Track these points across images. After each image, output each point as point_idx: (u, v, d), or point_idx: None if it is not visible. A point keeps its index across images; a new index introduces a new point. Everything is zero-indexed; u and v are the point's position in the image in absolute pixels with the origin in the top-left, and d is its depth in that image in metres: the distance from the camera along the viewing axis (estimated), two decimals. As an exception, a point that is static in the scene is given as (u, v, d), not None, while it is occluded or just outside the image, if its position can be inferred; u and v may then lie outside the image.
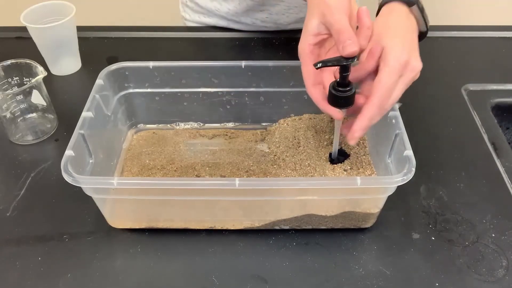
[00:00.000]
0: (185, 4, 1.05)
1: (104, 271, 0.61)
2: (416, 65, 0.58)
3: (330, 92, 0.57)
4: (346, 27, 0.55)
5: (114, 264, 0.62)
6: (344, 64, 0.54)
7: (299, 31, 0.62)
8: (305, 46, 0.60)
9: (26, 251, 0.63)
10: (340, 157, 0.69)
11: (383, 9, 0.63)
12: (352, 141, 0.59)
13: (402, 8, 0.62)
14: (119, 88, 0.74)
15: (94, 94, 0.67)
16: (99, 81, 0.69)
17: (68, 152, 0.58)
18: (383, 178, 0.62)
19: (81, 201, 0.67)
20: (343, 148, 0.71)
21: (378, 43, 0.58)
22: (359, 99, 0.59)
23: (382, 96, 0.56)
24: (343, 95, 0.56)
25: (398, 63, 0.56)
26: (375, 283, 0.59)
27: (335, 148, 0.68)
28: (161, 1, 1.84)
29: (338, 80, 0.56)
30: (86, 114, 0.64)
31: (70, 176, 0.56)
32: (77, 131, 0.62)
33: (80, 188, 0.59)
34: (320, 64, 0.55)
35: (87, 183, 0.57)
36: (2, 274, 0.60)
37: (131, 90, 0.75)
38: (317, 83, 0.61)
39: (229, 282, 0.59)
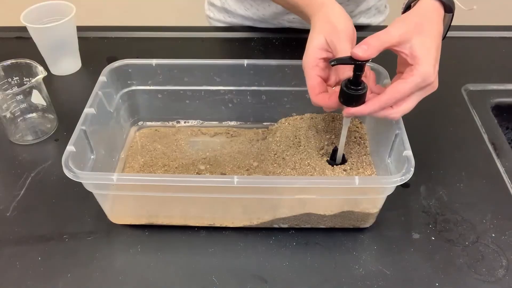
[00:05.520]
0: (211, 3, 1.06)
1: (104, 271, 0.61)
2: (436, 84, 0.58)
3: (342, 90, 0.57)
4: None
5: (114, 264, 0.62)
6: (358, 63, 0.54)
7: (307, 31, 0.62)
8: (309, 59, 0.61)
9: (26, 251, 0.63)
10: (338, 159, 0.69)
11: (423, 2, 0.60)
12: (344, 114, 0.60)
13: (439, 11, 0.60)
14: (122, 85, 0.74)
15: (97, 90, 0.67)
16: (102, 78, 0.69)
17: (70, 147, 0.58)
18: (382, 178, 0.62)
19: (81, 201, 0.67)
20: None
21: (407, 41, 0.56)
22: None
23: (389, 100, 0.56)
24: (355, 93, 0.57)
25: (424, 81, 0.56)
26: (375, 283, 0.59)
27: (341, 148, 0.67)
28: (161, 1, 1.84)
29: (351, 78, 0.56)
30: (88, 110, 0.64)
31: (71, 172, 0.56)
32: (78, 127, 0.62)
33: (80, 188, 0.59)
34: (335, 61, 0.56)
35: (87, 179, 0.57)
36: (2, 274, 0.60)
37: (134, 87, 0.75)
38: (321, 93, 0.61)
39: (229, 282, 0.59)
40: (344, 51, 0.57)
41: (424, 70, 0.55)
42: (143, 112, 0.79)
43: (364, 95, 0.57)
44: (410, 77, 0.56)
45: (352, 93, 0.56)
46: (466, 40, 0.99)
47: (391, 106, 0.57)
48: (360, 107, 0.57)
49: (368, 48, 0.54)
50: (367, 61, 0.54)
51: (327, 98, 0.60)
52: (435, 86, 0.58)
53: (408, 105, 0.58)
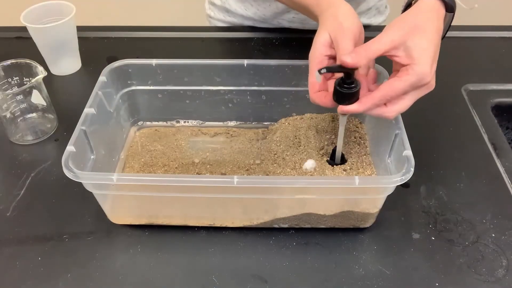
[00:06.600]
0: (212, 3, 1.06)
1: (104, 271, 0.61)
2: (433, 84, 0.57)
3: (335, 88, 0.57)
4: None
5: (114, 264, 0.62)
6: (347, 71, 0.55)
7: (307, 32, 0.62)
8: (315, 55, 0.61)
9: (26, 251, 0.63)
10: (337, 159, 0.69)
11: (423, 1, 0.59)
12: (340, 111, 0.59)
13: (440, 10, 0.59)
14: (122, 85, 0.74)
15: (97, 90, 0.67)
16: (102, 78, 0.70)
17: (70, 147, 0.59)
18: (381, 178, 0.62)
19: (81, 201, 0.67)
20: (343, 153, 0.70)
21: (401, 45, 0.56)
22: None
23: (383, 97, 0.56)
24: (347, 91, 0.57)
25: (420, 81, 0.55)
26: (375, 283, 0.59)
27: (339, 148, 0.67)
28: (161, 1, 1.84)
29: (343, 77, 0.57)
30: (88, 110, 0.64)
31: (71, 172, 0.56)
32: (78, 127, 0.62)
33: (80, 188, 0.59)
34: (325, 70, 0.56)
35: (87, 179, 0.57)
36: (2, 274, 0.60)
37: (134, 87, 0.75)
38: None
39: (229, 282, 0.59)
40: (345, 50, 0.57)
41: (420, 70, 0.55)
42: (143, 112, 0.79)
43: (356, 93, 0.57)
44: (405, 76, 0.55)
45: (345, 91, 0.57)
46: (466, 40, 0.99)
47: (385, 105, 0.57)
48: (353, 104, 0.57)
49: (356, 57, 0.54)
50: (355, 69, 0.54)
51: (323, 96, 0.60)
52: (432, 85, 0.57)
53: (403, 104, 0.57)
